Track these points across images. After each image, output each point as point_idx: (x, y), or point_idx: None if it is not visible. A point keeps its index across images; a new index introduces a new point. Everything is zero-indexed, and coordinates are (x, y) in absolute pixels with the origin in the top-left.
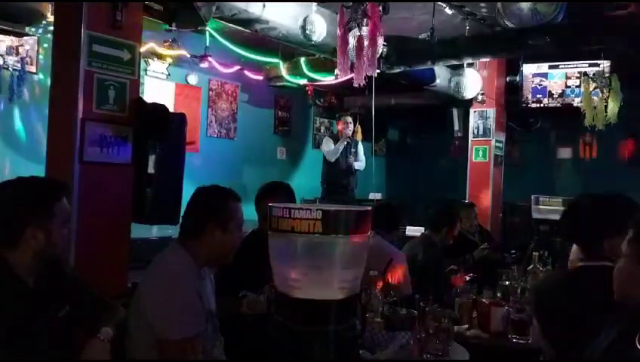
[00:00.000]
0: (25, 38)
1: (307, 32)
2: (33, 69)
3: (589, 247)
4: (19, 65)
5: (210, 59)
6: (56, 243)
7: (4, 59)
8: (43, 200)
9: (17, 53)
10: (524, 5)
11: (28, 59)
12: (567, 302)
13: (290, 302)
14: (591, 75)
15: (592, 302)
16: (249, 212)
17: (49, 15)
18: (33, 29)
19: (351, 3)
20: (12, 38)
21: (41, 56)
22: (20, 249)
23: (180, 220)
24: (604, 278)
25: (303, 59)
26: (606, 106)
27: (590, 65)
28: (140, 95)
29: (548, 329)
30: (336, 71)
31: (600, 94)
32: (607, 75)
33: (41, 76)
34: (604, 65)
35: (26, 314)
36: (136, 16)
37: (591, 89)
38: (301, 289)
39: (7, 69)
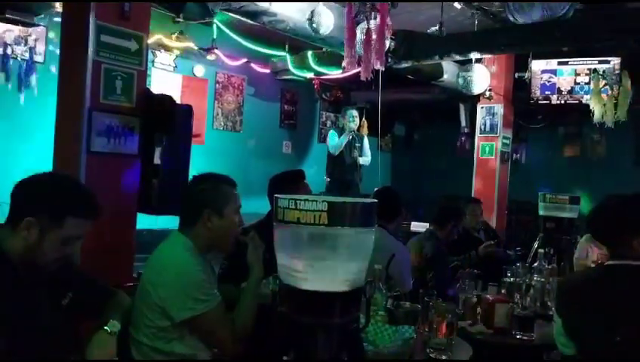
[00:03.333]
0: (33, 27)
1: (314, 24)
2: (41, 58)
3: (616, 246)
4: (27, 54)
5: (217, 51)
6: (46, 253)
7: (12, 48)
8: (58, 202)
9: (26, 43)
10: (536, 3)
11: (36, 49)
12: (593, 300)
13: (295, 294)
14: (601, 72)
15: (618, 300)
16: (255, 205)
17: (57, 5)
18: (42, 19)
19: None
20: (20, 27)
21: (49, 46)
22: (16, 234)
23: None
24: (631, 276)
25: (310, 53)
26: (615, 104)
27: (600, 61)
28: (147, 86)
29: (572, 326)
30: (344, 64)
31: (609, 91)
32: (617, 71)
33: (49, 66)
34: (615, 62)
35: (27, 303)
36: (144, 7)
37: (600, 86)
38: (306, 280)
39: (16, 58)
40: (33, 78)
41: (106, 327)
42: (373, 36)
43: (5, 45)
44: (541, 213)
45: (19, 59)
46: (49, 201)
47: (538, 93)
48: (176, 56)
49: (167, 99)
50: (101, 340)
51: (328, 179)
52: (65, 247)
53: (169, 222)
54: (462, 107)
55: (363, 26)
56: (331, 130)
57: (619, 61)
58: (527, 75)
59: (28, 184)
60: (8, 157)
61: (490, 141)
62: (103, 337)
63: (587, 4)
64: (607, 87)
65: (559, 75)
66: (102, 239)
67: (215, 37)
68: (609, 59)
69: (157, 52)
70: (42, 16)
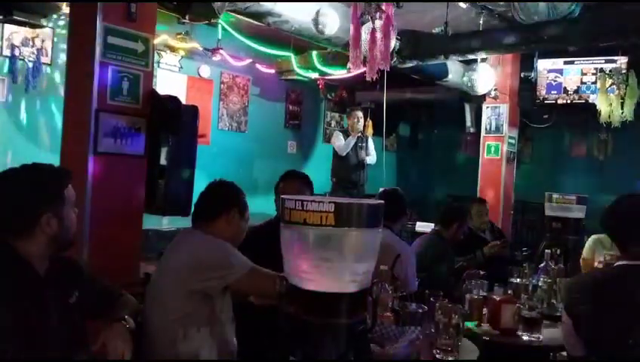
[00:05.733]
0: (40, 29)
1: (319, 25)
2: (48, 60)
3: (629, 246)
4: (34, 56)
5: (222, 52)
6: (69, 227)
7: (19, 50)
8: (56, 186)
9: (33, 45)
10: (541, 3)
11: (43, 50)
12: (605, 301)
13: (302, 294)
14: (607, 72)
15: (631, 301)
16: (261, 205)
17: (65, 7)
18: (49, 21)
19: None
20: (28, 29)
21: (56, 48)
22: (35, 236)
23: (192, 211)
24: None
25: (314, 53)
26: (622, 103)
27: (607, 61)
28: (153, 87)
29: (583, 326)
30: (349, 65)
31: (616, 91)
32: (623, 71)
33: (56, 68)
34: (621, 61)
35: (36, 302)
36: (150, 8)
37: (607, 85)
38: (312, 281)
39: (23, 60)
40: (40, 80)
41: (123, 321)
42: (379, 36)
43: (12, 47)
44: (547, 213)
45: (26, 60)
46: (47, 190)
47: (544, 92)
48: (182, 57)
49: (172, 100)
50: (116, 329)
51: (334, 180)
52: (73, 213)
53: (174, 222)
54: (467, 107)
55: (368, 26)
56: (335, 131)
57: (625, 60)
58: (533, 74)
59: (8, 194)
60: (15, 159)
61: (495, 141)
62: (118, 327)
63: (593, 2)
64: (614, 86)
65: (565, 75)
66: (108, 239)
67: (220, 37)
68: (616, 58)
69: (162, 52)
70: (50, 17)
